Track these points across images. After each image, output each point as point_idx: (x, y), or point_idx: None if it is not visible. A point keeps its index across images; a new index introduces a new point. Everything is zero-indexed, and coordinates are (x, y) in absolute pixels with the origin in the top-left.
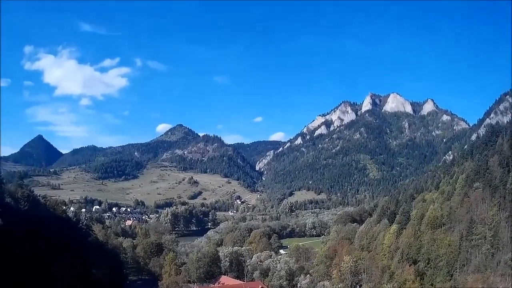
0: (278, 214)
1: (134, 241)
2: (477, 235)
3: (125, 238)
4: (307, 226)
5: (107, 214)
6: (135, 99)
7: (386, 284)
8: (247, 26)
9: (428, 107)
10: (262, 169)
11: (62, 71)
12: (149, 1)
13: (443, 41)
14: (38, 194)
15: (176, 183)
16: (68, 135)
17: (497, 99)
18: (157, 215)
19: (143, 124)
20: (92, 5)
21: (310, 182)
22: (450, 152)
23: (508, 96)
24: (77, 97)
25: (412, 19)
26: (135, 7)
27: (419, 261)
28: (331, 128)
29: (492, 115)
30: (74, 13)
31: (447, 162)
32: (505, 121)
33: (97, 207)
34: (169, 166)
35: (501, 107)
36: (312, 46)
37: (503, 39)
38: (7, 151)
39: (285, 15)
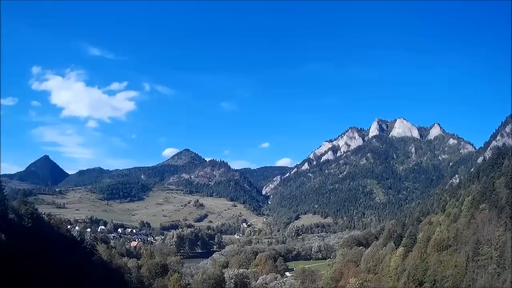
0: (284, 238)
1: (139, 261)
2: (483, 255)
3: (130, 259)
4: (313, 249)
5: (112, 234)
6: (142, 123)
7: None
8: (255, 53)
9: (435, 132)
10: (269, 194)
11: (70, 93)
12: (156, 29)
13: (448, 66)
14: (43, 212)
15: (181, 205)
16: (75, 156)
17: (503, 121)
18: (163, 236)
19: (150, 148)
20: (100, 29)
21: (316, 206)
22: (456, 176)
23: None
24: (85, 119)
25: (417, 44)
26: (143, 33)
27: (425, 282)
28: (338, 154)
29: (498, 137)
30: (83, 36)
31: (453, 185)
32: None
33: (103, 227)
34: (175, 190)
35: (507, 129)
36: (318, 72)
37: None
38: (12, 169)
39: (292, 42)
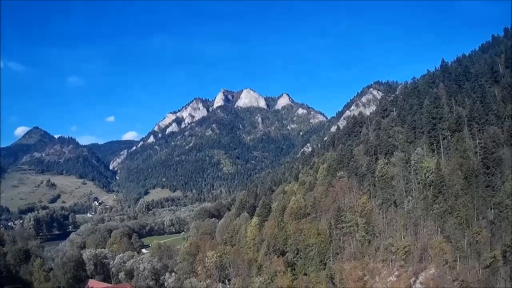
0: (136, 214)
1: (4, 248)
2: (347, 223)
3: None
4: (165, 223)
5: None
6: None
7: (257, 277)
8: (102, 26)
9: (283, 102)
10: (116, 168)
11: None
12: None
13: (302, 38)
14: None
15: (35, 186)
16: None
17: (359, 92)
18: (21, 220)
19: (3, 128)
20: None
21: (164, 180)
22: (308, 144)
23: (371, 88)
24: None
25: (271, 18)
26: None
27: (287, 252)
28: (182, 125)
29: (353, 107)
30: None
31: (305, 154)
32: (368, 113)
33: None
34: (28, 170)
35: (364, 99)
36: (164, 45)
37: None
38: None
39: (138, 15)
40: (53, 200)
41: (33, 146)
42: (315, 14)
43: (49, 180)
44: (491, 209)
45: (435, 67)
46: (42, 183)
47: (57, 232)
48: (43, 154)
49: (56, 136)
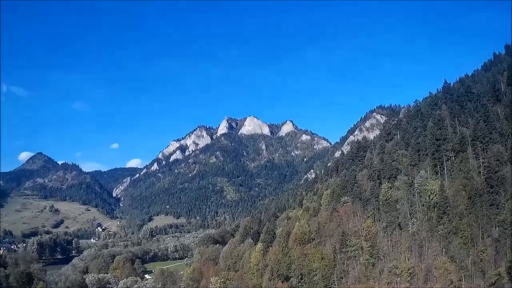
0: (140, 240)
1: (6, 271)
2: (351, 246)
3: None
4: (169, 249)
5: None
6: None
7: None
8: (103, 51)
9: (286, 128)
10: (119, 195)
11: None
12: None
13: (304, 64)
14: None
15: (38, 211)
16: None
17: (362, 117)
18: (24, 244)
19: (6, 152)
20: None
21: (168, 207)
22: (312, 171)
23: (374, 113)
24: None
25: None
26: None
27: (291, 277)
28: (186, 153)
29: (356, 132)
30: None
31: (309, 180)
32: (372, 137)
33: None
34: (31, 195)
35: (367, 124)
36: (168, 70)
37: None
38: None
39: (141, 40)
40: (56, 225)
41: (36, 171)
42: (316, 40)
43: (53, 205)
44: (495, 227)
45: (437, 89)
46: (45, 208)
47: (60, 257)
48: (46, 180)
49: (59, 162)
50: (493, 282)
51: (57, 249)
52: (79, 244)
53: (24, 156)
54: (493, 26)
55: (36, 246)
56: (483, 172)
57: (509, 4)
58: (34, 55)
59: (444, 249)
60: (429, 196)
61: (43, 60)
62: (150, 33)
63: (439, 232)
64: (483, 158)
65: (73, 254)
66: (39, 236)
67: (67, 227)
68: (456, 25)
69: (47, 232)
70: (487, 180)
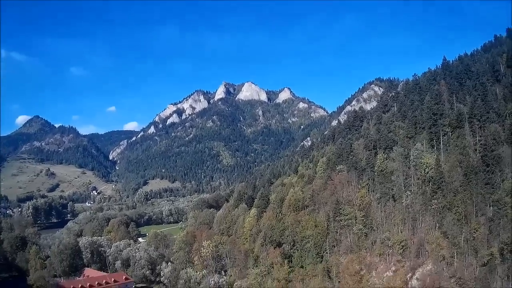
0: (134, 203)
1: (0, 236)
2: (345, 215)
3: None
4: (163, 213)
5: None
6: None
7: (253, 268)
8: (105, 16)
9: (284, 95)
10: (116, 159)
11: None
12: None
13: (305, 34)
14: None
15: (34, 175)
16: None
17: (361, 87)
18: (20, 209)
19: (3, 116)
20: None
21: (164, 171)
22: (308, 138)
23: (373, 85)
24: None
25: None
26: None
27: (283, 243)
28: (183, 117)
29: (354, 102)
30: None
31: (305, 147)
32: (369, 108)
33: None
34: (28, 159)
35: (365, 95)
36: (167, 35)
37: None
38: None
39: (140, 5)
40: (52, 189)
41: (33, 135)
42: (318, 11)
43: (49, 169)
44: (490, 206)
45: (437, 66)
46: (41, 172)
47: (55, 221)
48: (43, 143)
49: (56, 126)
50: (486, 262)
51: (52, 213)
52: (74, 207)
53: (22, 119)
54: (494, 11)
55: (31, 210)
56: (479, 150)
57: None
58: (34, 21)
59: (437, 224)
60: (424, 170)
61: (42, 25)
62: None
63: (432, 207)
64: (480, 136)
65: (68, 217)
66: (34, 200)
67: (62, 191)
68: (459, 7)
69: (43, 196)
70: (483, 158)
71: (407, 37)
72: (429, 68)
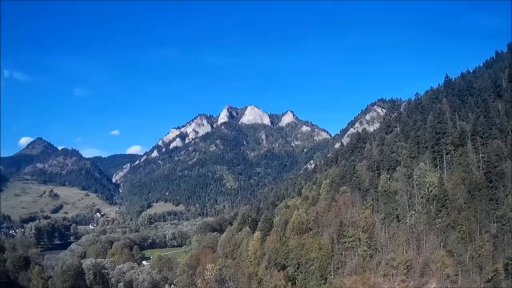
0: (138, 226)
1: (3, 255)
2: (349, 237)
3: None
4: (167, 236)
5: None
6: None
7: None
8: (109, 36)
9: (287, 119)
10: (119, 182)
11: None
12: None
13: (305, 55)
14: None
15: (38, 196)
16: None
17: (363, 109)
18: (23, 229)
19: (7, 137)
20: None
21: (167, 194)
22: (311, 161)
23: (375, 106)
24: None
25: (272, 30)
26: None
27: (288, 266)
28: (186, 141)
29: (357, 124)
30: None
31: (308, 170)
32: (372, 129)
33: None
34: (30, 180)
35: (368, 117)
36: (169, 57)
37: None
38: None
39: (143, 26)
40: (55, 211)
41: (36, 156)
42: (320, 31)
43: (52, 190)
44: (494, 223)
45: (439, 84)
46: (44, 193)
47: (58, 242)
48: (45, 165)
49: (59, 148)
50: (490, 278)
51: (55, 234)
52: (77, 229)
53: (24, 141)
54: (494, 26)
55: (34, 231)
56: (482, 167)
57: (509, 4)
58: (36, 40)
59: (442, 243)
60: (428, 189)
61: (45, 45)
62: (151, 20)
63: (437, 225)
64: (483, 153)
65: (71, 240)
66: (37, 221)
67: (66, 213)
68: (458, 24)
69: (46, 217)
70: (486, 174)
71: (410, 57)
72: (431, 86)
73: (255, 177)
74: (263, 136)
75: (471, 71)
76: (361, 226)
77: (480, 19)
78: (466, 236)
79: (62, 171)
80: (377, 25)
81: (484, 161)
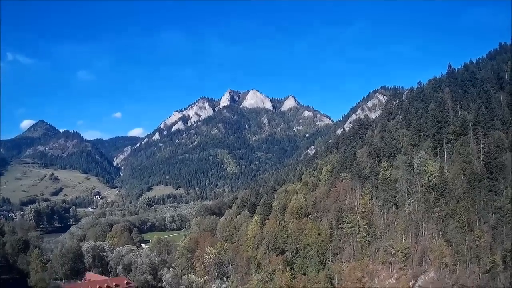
0: (137, 209)
1: (3, 238)
2: (348, 223)
3: None
4: (166, 219)
5: None
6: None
7: (255, 275)
8: (113, 21)
9: (289, 104)
10: (120, 165)
11: None
12: None
13: (309, 42)
14: None
15: (38, 179)
16: None
17: (365, 96)
18: (22, 212)
19: (8, 120)
20: None
21: (168, 177)
22: (312, 147)
23: (377, 93)
24: None
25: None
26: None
27: (286, 250)
28: (188, 124)
29: (358, 111)
30: None
31: (309, 155)
32: (374, 116)
33: None
34: (31, 163)
35: (369, 103)
36: (172, 41)
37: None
38: None
39: (146, 9)
40: (55, 193)
41: (37, 139)
42: (324, 19)
43: (52, 173)
44: (492, 214)
45: (442, 73)
46: (45, 176)
47: (57, 225)
48: (46, 148)
49: (61, 130)
50: (488, 269)
51: (55, 217)
52: (76, 212)
53: (26, 124)
54: (499, 19)
55: (34, 213)
56: (482, 158)
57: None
58: (40, 24)
59: (440, 232)
60: (428, 177)
61: (48, 29)
62: (156, 4)
63: (435, 214)
64: (484, 144)
65: (71, 222)
66: (37, 204)
67: (65, 195)
68: (465, 16)
69: (45, 200)
70: (487, 165)
71: (414, 45)
72: (434, 76)
73: (256, 162)
74: (265, 121)
75: (474, 61)
76: (360, 212)
77: (482, 15)
78: (465, 226)
79: (63, 154)
80: (380, 12)
81: (484, 151)
